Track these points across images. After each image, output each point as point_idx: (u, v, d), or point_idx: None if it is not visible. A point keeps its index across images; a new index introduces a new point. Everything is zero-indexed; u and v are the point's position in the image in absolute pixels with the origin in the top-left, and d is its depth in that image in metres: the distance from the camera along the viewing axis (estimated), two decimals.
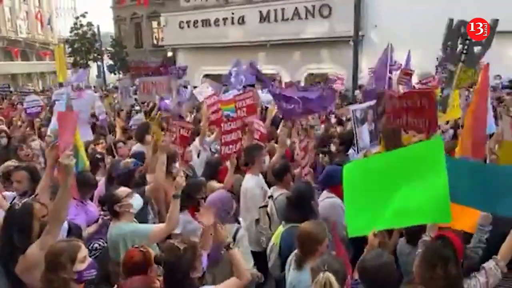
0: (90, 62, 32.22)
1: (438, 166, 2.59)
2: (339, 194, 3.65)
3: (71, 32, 33.11)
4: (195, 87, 11.55)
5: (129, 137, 7.31)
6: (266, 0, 20.86)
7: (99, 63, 31.84)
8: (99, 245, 3.77)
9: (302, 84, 16.54)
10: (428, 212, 2.62)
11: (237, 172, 4.91)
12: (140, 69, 24.21)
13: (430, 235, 2.84)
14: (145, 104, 11.33)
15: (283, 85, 14.62)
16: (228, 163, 4.90)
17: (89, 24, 32.72)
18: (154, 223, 4.16)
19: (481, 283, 2.48)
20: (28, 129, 8.18)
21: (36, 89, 25.18)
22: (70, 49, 31.91)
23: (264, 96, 9.32)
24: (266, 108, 8.84)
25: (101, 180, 4.68)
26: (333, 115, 9.39)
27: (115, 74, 32.31)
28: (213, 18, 22.68)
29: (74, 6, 48.53)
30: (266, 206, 4.31)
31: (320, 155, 5.77)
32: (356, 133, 4.71)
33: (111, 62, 32.86)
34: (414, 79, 9.87)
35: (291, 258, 3.17)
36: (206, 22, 22.99)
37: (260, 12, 21.00)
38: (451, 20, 5.01)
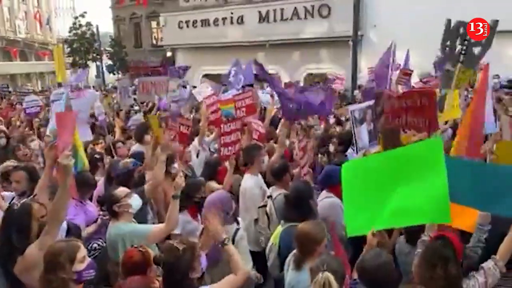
0: (89, 62, 32.16)
1: (437, 166, 2.58)
2: (338, 194, 3.64)
3: (70, 32, 33.10)
4: (194, 87, 11.56)
5: (128, 137, 7.31)
6: (265, 0, 20.87)
7: (98, 63, 31.79)
8: (98, 245, 3.77)
9: (302, 84, 16.53)
10: (427, 212, 2.62)
11: (236, 173, 4.91)
12: (139, 69, 24.28)
13: (429, 235, 2.84)
14: (144, 104, 11.33)
15: (282, 85, 14.61)
16: (227, 164, 4.90)
17: (88, 24, 32.68)
18: (153, 223, 4.15)
19: (480, 283, 2.48)
20: (27, 129, 8.17)
21: (35, 89, 25.13)
22: (69, 49, 31.91)
23: (263, 96, 9.32)
24: (265, 108, 8.84)
25: (100, 180, 4.68)
26: (332, 115, 9.38)
27: (114, 74, 32.32)
28: (212, 18, 22.68)
29: (73, 6, 48.54)
30: (265, 206, 4.31)
31: (319, 155, 5.77)
32: (355, 133, 4.71)
33: (110, 62, 32.86)
34: (415, 79, 9.87)
35: (290, 258, 3.16)
36: (205, 22, 22.99)
37: (259, 12, 21.00)
38: (449, 21, 5.02)
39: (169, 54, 25.72)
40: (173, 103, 7.67)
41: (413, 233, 3.24)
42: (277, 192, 4.41)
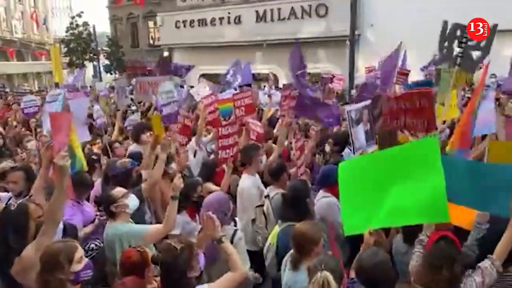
0: (86, 62, 32.11)
1: (434, 165, 2.59)
2: (335, 194, 3.65)
3: (67, 32, 32.97)
4: (191, 86, 11.55)
5: (125, 137, 7.29)
6: (263, 0, 20.86)
7: (95, 63, 31.66)
8: (96, 245, 3.77)
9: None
10: (425, 211, 2.62)
11: (234, 173, 4.91)
12: (136, 69, 24.19)
13: (427, 234, 2.84)
14: (142, 104, 11.30)
15: (280, 85, 14.63)
16: (224, 166, 4.89)
17: (85, 24, 32.60)
18: (151, 222, 4.15)
19: (477, 282, 2.47)
20: (23, 129, 8.14)
21: (32, 89, 25.04)
22: (66, 49, 31.80)
23: (262, 97, 9.32)
24: (262, 109, 8.85)
25: (98, 180, 4.67)
26: None
27: (111, 74, 32.22)
28: (209, 17, 22.64)
29: (69, 6, 48.33)
30: (262, 205, 4.32)
31: (317, 155, 5.77)
32: (351, 134, 4.72)
33: (107, 62, 32.78)
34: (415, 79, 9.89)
35: (287, 258, 3.16)
36: (202, 22, 22.95)
37: (257, 11, 20.97)
38: (446, 23, 5.02)
39: (166, 54, 25.65)
40: (168, 105, 7.53)
41: (410, 233, 3.22)
42: (274, 192, 4.41)
